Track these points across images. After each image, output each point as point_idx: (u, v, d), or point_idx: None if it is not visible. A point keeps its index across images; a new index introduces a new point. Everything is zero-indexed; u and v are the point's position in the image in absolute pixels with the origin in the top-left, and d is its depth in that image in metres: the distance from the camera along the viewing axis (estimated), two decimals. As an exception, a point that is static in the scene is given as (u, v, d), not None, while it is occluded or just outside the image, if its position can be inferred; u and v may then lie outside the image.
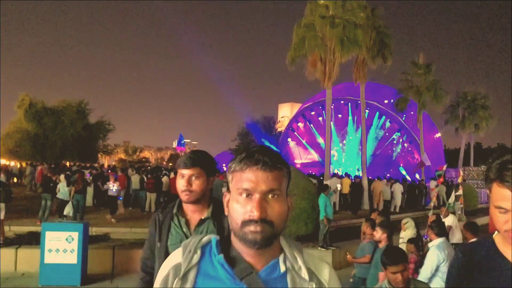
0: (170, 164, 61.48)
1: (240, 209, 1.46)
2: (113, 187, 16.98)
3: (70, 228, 10.49)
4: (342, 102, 44.88)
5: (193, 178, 2.78)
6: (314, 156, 49.68)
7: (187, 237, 2.70)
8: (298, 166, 48.04)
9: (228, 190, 1.56)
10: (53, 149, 40.42)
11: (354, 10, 22.54)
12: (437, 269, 6.20)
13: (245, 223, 1.44)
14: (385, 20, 24.94)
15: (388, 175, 39.94)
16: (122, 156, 75.45)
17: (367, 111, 35.00)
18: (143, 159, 74.78)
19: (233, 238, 1.53)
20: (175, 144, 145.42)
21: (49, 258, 10.25)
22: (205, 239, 1.59)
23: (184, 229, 2.84)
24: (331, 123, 46.08)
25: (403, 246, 8.00)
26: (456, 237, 11.43)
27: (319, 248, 13.18)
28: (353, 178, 27.66)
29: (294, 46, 22.66)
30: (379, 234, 6.89)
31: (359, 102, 43.01)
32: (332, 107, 45.22)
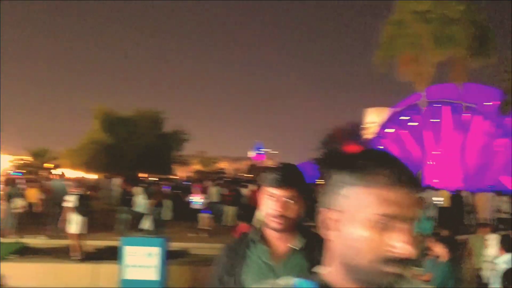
0: (251, 175, 61.90)
1: (373, 241, 1.13)
2: (195, 199, 17.67)
3: (150, 243, 10.95)
4: (438, 105, 43.55)
5: (289, 201, 2.37)
6: (409, 161, 48.60)
7: (271, 271, 2.34)
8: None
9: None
10: (128, 160, 41.49)
11: (450, 4, 21.93)
12: None
13: (386, 261, 1.12)
14: (486, 13, 23.88)
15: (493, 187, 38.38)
16: (198, 167, 77.18)
17: (468, 115, 33.93)
18: (220, 170, 75.89)
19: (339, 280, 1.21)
20: (252, 154, 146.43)
21: (130, 274, 10.73)
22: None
23: (266, 259, 2.39)
24: (427, 129, 45.11)
25: (487, 265, 7.78)
26: None
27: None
28: (452, 190, 26.80)
29: (383, 46, 22.31)
30: (438, 248, 6.90)
31: (458, 105, 41.95)
32: (427, 110, 44.32)
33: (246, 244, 2.47)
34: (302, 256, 2.37)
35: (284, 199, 2.35)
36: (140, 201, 16.24)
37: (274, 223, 2.35)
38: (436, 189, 25.28)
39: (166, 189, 21.01)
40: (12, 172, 35.04)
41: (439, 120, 44.63)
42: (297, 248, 2.40)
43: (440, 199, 22.73)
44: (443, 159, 46.38)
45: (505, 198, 24.33)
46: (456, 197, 24.40)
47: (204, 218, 18.10)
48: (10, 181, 16.88)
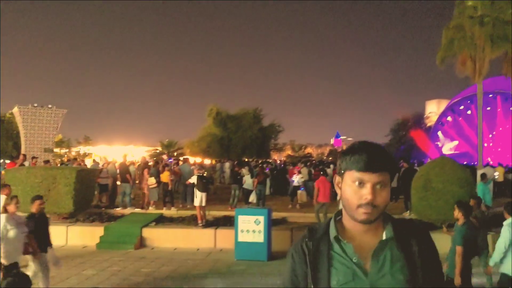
0: (330, 158, 61.21)
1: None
2: (296, 178, 17.66)
3: (257, 213, 11.06)
4: (490, 95, 40.88)
5: (379, 187, 1.64)
6: (463, 147, 46.20)
7: (362, 270, 1.65)
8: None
9: None
10: (236, 148, 42.83)
11: (502, 8, 20.39)
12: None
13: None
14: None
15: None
16: (290, 152, 77.11)
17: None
18: (308, 154, 75.62)
19: None
20: (332, 141, 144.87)
21: (242, 237, 10.88)
22: None
23: (355, 259, 1.67)
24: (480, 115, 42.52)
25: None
26: None
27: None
28: (506, 167, 25.08)
29: (443, 47, 21.14)
30: (456, 212, 6.65)
31: (509, 94, 39.24)
32: (482, 100, 41.76)
33: (329, 244, 1.71)
34: (393, 247, 1.67)
35: (372, 184, 1.63)
36: (248, 180, 16.34)
37: (365, 215, 1.63)
38: (493, 166, 23.73)
39: (267, 170, 21.02)
40: (166, 159, 36.56)
41: (489, 109, 41.97)
42: (385, 239, 1.69)
43: (496, 174, 21.37)
44: (496, 141, 43.77)
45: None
46: (507, 173, 22.88)
47: (301, 194, 17.95)
48: (152, 165, 17.43)
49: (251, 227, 10.82)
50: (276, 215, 13.86)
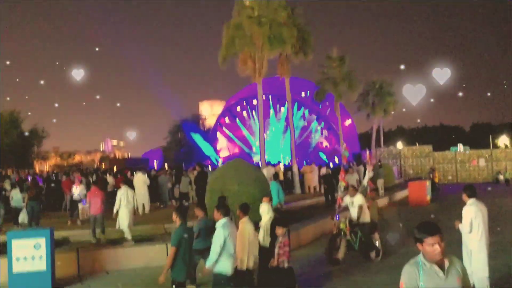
0: (104, 165, 59.33)
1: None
2: (76, 191, 16.01)
3: (36, 235, 9.77)
4: (263, 97, 45.06)
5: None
6: (243, 148, 49.96)
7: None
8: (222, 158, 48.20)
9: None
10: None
11: (277, 9, 22.59)
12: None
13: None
14: (304, 18, 25.02)
15: (314, 161, 40.79)
16: (56, 161, 72.19)
17: (287, 103, 35.27)
18: (79, 163, 71.93)
19: None
20: (102, 147, 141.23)
21: (18, 267, 9.49)
22: None
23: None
24: (256, 116, 46.52)
25: None
26: (366, 216, 11.27)
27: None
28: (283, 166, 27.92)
29: (225, 46, 22.42)
30: (174, 216, 7.24)
31: (280, 95, 43.66)
32: (255, 102, 45.65)
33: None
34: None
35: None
36: (16, 196, 14.53)
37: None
38: (273, 165, 26.13)
39: (41, 183, 19.11)
40: None
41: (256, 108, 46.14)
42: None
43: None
44: (269, 140, 48.47)
45: (324, 170, 25.84)
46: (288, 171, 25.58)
47: (84, 208, 16.50)
48: None
49: (29, 253, 9.56)
50: (55, 235, 12.65)
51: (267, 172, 20.74)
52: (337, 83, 31.46)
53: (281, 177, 23.73)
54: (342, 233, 10.82)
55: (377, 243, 11.19)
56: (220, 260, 6.79)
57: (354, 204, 11.07)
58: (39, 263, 9.62)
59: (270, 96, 45.86)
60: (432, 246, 3.48)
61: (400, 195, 26.57)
